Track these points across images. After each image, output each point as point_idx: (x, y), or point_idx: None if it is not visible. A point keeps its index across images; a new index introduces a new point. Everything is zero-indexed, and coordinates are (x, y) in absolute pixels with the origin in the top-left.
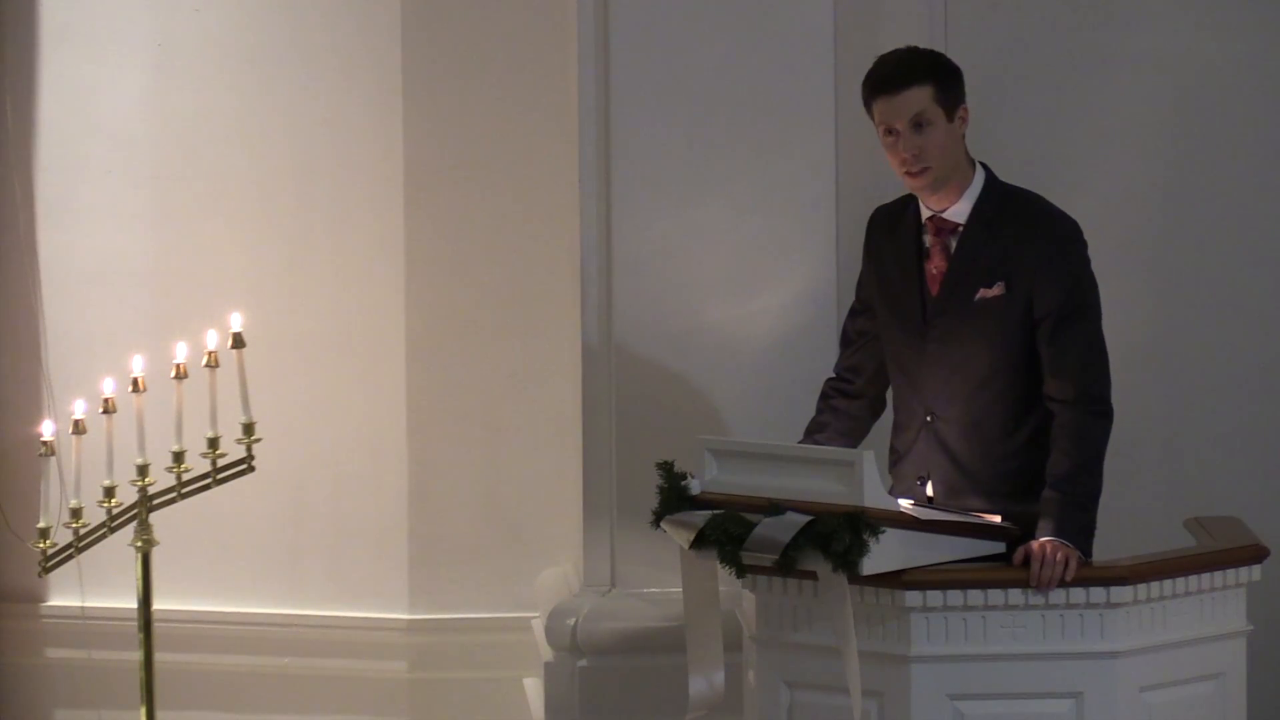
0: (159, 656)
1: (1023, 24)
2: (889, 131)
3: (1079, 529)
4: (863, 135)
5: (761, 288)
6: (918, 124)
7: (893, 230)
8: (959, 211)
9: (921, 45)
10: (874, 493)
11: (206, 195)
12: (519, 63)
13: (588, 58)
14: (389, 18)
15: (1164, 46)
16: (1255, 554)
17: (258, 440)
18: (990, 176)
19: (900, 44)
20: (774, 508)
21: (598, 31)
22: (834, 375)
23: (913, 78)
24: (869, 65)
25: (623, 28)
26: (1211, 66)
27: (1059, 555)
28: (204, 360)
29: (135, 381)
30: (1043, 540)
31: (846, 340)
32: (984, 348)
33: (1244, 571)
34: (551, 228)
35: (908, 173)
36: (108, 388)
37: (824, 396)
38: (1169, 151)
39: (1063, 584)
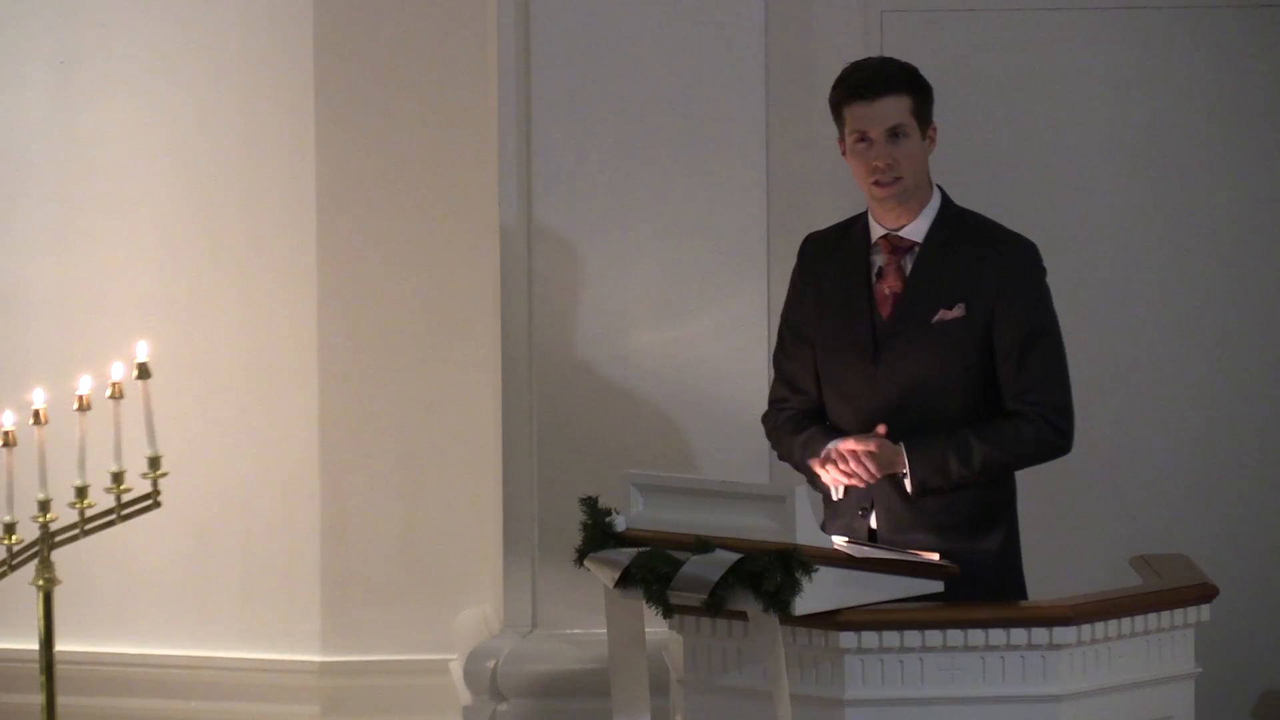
0: (61, 699)
1: (961, 43)
2: (861, 139)
3: (934, 459)
4: (794, 158)
5: (689, 314)
6: (894, 134)
7: (834, 254)
8: (916, 230)
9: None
10: (806, 529)
11: (111, 219)
12: (438, 84)
13: (508, 80)
14: (301, 34)
15: (1105, 65)
16: (1203, 593)
17: (164, 475)
18: (946, 198)
19: (834, 65)
20: (702, 545)
21: (519, 53)
22: (770, 407)
23: (892, 86)
24: (800, 87)
25: (545, 48)
26: (1152, 84)
27: (865, 460)
28: (108, 392)
29: (37, 414)
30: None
31: (781, 377)
32: (939, 371)
33: (1192, 611)
34: (471, 252)
35: (877, 182)
36: (7, 420)
37: (769, 419)
38: (1112, 172)
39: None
